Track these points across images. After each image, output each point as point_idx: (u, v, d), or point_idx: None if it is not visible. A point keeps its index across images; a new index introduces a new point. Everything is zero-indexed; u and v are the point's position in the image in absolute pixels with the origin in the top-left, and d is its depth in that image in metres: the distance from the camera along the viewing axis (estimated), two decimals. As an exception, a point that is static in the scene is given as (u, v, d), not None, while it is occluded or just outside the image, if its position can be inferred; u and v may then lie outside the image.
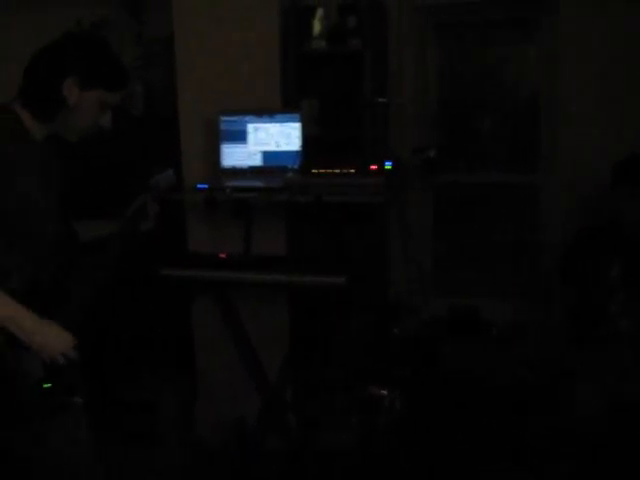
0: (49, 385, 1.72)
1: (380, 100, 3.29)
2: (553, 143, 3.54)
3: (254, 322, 3.18)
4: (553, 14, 3.44)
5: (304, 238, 3.26)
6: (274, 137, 3.07)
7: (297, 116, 3.04)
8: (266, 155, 3.10)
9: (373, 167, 2.96)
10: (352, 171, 2.94)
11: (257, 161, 3.10)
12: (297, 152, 3.01)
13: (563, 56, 3.43)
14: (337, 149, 3.26)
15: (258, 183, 2.97)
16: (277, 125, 3.07)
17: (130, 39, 3.78)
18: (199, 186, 2.98)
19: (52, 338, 1.72)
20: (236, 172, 3.10)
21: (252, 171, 3.07)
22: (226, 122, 3.09)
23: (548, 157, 3.59)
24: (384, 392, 3.09)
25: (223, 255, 2.93)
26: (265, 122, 3.07)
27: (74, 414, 1.83)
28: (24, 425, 1.75)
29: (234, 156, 3.11)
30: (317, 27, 3.31)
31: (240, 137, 3.08)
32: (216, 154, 3.09)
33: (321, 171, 2.94)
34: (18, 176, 1.71)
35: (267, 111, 3.07)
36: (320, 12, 3.31)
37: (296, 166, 2.99)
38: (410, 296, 3.42)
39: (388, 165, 2.98)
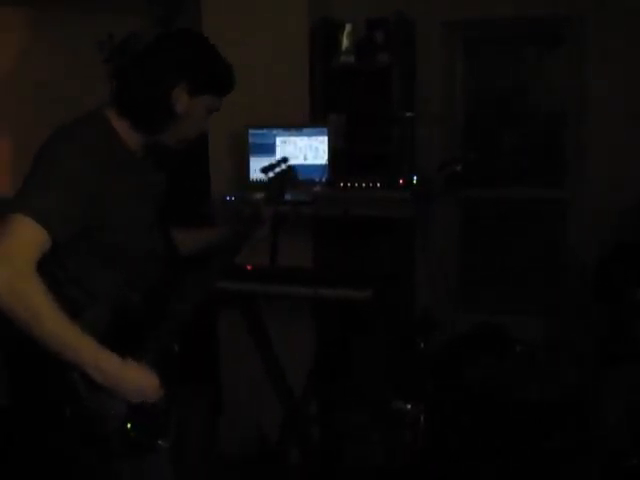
0: (132, 427, 1.57)
1: (407, 115, 3.30)
2: (581, 158, 3.51)
3: (279, 335, 3.18)
4: (581, 30, 3.43)
5: (331, 251, 3.26)
6: (302, 151, 3.09)
7: (324, 130, 3.06)
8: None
9: (400, 181, 2.98)
10: (379, 185, 2.95)
11: (285, 174, 3.12)
12: (324, 166, 3.03)
13: (592, 71, 3.41)
14: (364, 163, 3.27)
15: (286, 196, 2.99)
16: (305, 139, 3.08)
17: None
18: (227, 198, 3.00)
19: (136, 385, 1.53)
20: (264, 185, 3.12)
21: (279, 184, 3.08)
22: (254, 135, 3.12)
23: (576, 172, 3.56)
24: (408, 407, 3.07)
25: (249, 267, 2.94)
26: (293, 136, 3.09)
27: (159, 458, 1.68)
28: (105, 467, 1.59)
29: (262, 169, 3.13)
30: (345, 42, 3.32)
31: (268, 150, 3.10)
32: (244, 167, 3.12)
33: (348, 185, 2.96)
34: (115, 189, 1.57)
35: (295, 125, 3.09)
36: (348, 27, 3.32)
37: (323, 180, 3.01)
38: (436, 311, 3.40)
39: (414, 179, 2.99)
